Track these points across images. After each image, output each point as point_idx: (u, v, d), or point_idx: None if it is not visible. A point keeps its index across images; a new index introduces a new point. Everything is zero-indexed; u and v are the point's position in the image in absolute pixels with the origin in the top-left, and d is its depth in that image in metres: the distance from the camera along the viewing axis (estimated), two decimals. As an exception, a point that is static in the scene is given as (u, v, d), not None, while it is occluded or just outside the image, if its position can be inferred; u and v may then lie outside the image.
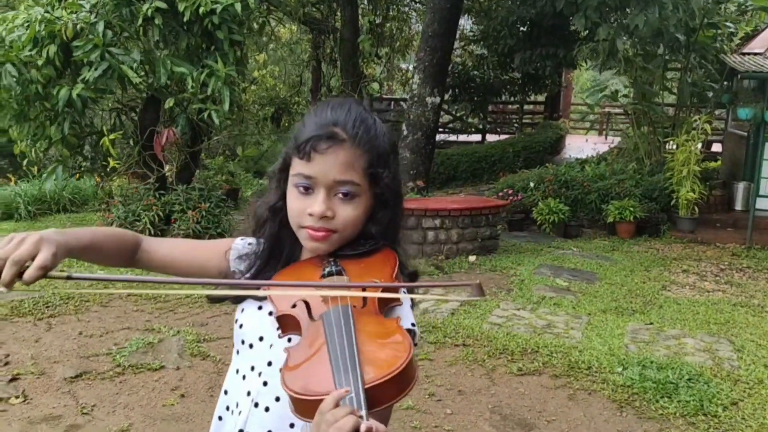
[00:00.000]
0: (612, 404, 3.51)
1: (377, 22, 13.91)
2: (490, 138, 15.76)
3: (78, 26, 5.98)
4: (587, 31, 8.47)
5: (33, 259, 0.91)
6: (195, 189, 6.84)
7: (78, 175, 7.29)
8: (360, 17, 12.10)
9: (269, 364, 1.08)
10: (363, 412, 0.75)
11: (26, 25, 6.02)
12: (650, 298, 5.56)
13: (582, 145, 14.61)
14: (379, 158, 1.08)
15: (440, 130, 15.45)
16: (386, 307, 1.00)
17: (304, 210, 1.06)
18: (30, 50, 6.02)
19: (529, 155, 12.81)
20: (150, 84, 6.43)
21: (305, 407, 0.82)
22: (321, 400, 0.79)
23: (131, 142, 6.98)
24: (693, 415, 3.37)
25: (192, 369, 3.82)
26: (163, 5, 5.96)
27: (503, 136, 15.52)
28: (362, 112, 1.10)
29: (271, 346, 1.09)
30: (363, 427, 0.73)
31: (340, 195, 1.06)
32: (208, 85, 6.07)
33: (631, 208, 7.88)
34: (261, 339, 1.10)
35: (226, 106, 6.04)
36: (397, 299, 1.02)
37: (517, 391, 3.68)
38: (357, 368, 0.81)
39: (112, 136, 6.19)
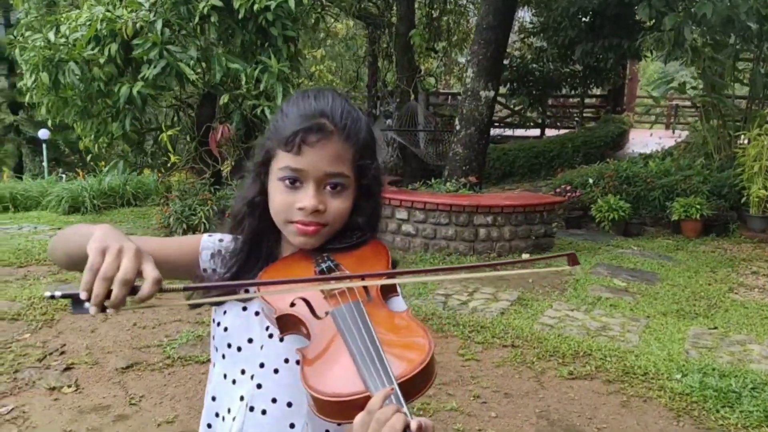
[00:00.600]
0: (668, 413, 3.33)
1: (434, 15, 13.78)
2: (549, 133, 15.38)
3: (137, 25, 6.15)
4: (652, 21, 8.11)
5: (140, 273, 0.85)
6: (249, 184, 6.92)
7: (140, 170, 7.51)
8: (416, 11, 12.00)
9: (261, 365, 1.05)
10: (405, 409, 0.73)
11: (88, 23, 6.23)
12: (715, 301, 5.27)
13: (646, 140, 14.04)
14: (365, 149, 1.06)
15: (497, 124, 15.24)
16: (387, 297, 0.97)
17: (292, 204, 1.02)
18: (92, 49, 6.23)
19: (589, 150, 12.43)
20: (206, 81, 6.55)
21: (335, 409, 0.79)
22: (354, 401, 0.77)
23: (188, 138, 7.14)
24: (756, 426, 3.16)
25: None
26: (219, 3, 6.05)
27: (563, 131, 15.11)
28: (345, 103, 1.07)
29: (261, 347, 1.06)
30: (414, 425, 0.71)
31: (330, 188, 1.03)
32: (262, 81, 6.14)
33: (698, 206, 7.52)
34: (250, 341, 1.07)
35: (279, 102, 6.08)
36: (395, 292, 1.00)
37: (566, 395, 3.54)
38: (386, 365, 0.78)
39: (169, 132, 6.34)
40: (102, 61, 6.23)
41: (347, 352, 0.82)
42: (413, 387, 0.78)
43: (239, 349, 1.08)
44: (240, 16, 6.17)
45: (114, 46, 6.21)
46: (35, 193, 9.97)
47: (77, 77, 6.14)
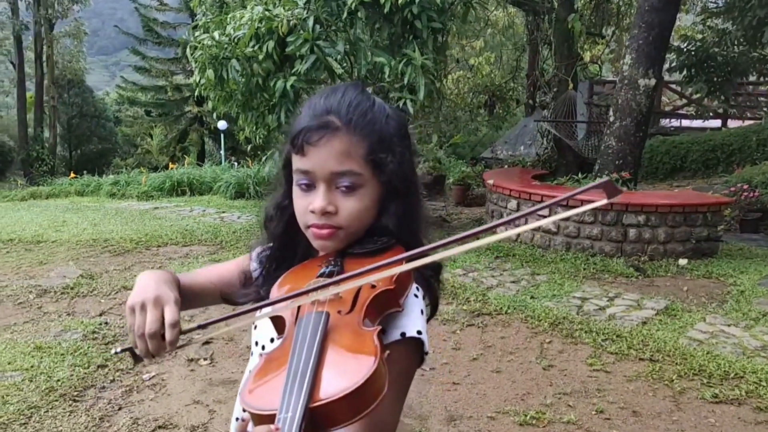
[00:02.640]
0: (832, 456, 2.84)
1: (599, -1, 12.92)
2: (733, 124, 13.78)
3: (292, 22, 6.48)
4: None
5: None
6: (391, 175, 7.03)
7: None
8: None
9: None
10: None
11: (249, 23, 6.68)
12: None
13: None
14: (381, 143, 0.98)
15: (668, 114, 13.95)
16: (381, 314, 0.89)
17: (306, 208, 1.00)
18: (252, 46, 6.67)
19: (777, 144, 10.97)
20: (352, 74, 6.74)
21: (254, 419, 0.75)
22: (264, 417, 0.73)
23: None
24: None
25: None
26: (366, -2, 6.18)
27: (747, 122, 13.48)
28: (358, 95, 1.01)
29: None
30: None
31: (342, 188, 0.98)
32: (405, 74, 6.17)
33: None
34: (272, 341, 1.06)
35: (422, 95, 6.10)
36: (398, 306, 0.91)
37: (706, 420, 3.16)
38: (306, 385, 0.72)
39: (317, 124, 6.61)
40: (261, 57, 6.65)
41: (286, 364, 0.77)
42: (336, 413, 0.72)
43: (263, 347, 1.08)
44: (386, 10, 6.25)
45: (271, 44, 6.60)
46: (208, 178, 11.00)
47: (238, 73, 6.62)
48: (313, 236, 1.01)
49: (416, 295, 0.99)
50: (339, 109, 0.98)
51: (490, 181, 6.97)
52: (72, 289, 5.05)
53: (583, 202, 0.88)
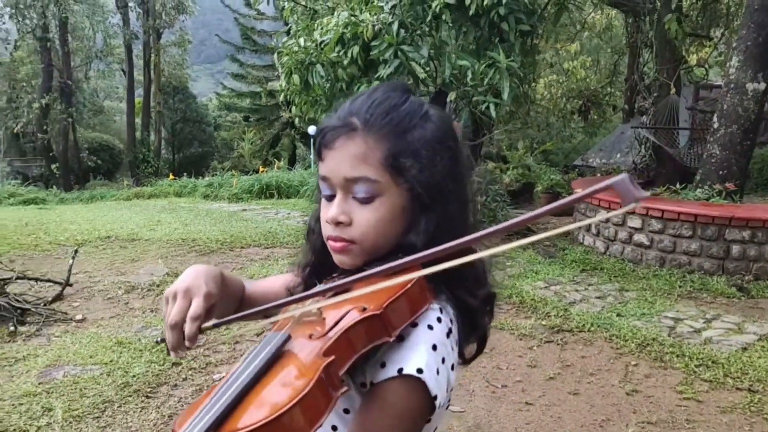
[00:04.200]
0: None
1: (707, -2, 12.10)
2: None
3: (376, 27, 6.46)
4: None
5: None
6: (473, 182, 6.86)
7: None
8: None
9: None
10: None
11: (335, 28, 6.73)
12: None
13: None
14: (406, 147, 0.87)
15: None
16: (367, 343, 0.76)
17: (324, 218, 0.91)
18: (337, 51, 6.72)
19: None
20: (435, 78, 6.64)
21: None
22: None
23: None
24: None
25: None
26: (451, 0, 6.06)
27: None
28: (389, 92, 0.90)
29: None
30: None
31: (359, 196, 0.87)
32: (488, 76, 6.00)
33: None
34: None
35: (506, 97, 5.89)
36: (387, 336, 0.78)
37: (813, 465, 2.80)
38: (219, 409, 0.65)
39: (399, 129, 6.55)
40: (345, 62, 6.69)
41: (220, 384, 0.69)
42: None
43: None
44: (471, 13, 6.10)
45: (356, 48, 6.62)
46: (296, 182, 11.23)
47: (323, 78, 6.69)
48: (330, 249, 0.92)
49: (431, 327, 0.84)
50: (361, 108, 0.89)
51: (578, 190, 6.65)
52: (158, 286, 5.25)
53: (607, 204, 0.72)
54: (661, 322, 4.46)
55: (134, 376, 3.50)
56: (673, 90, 9.95)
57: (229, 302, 1.02)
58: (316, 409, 0.66)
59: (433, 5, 6.19)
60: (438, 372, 0.82)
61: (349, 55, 6.65)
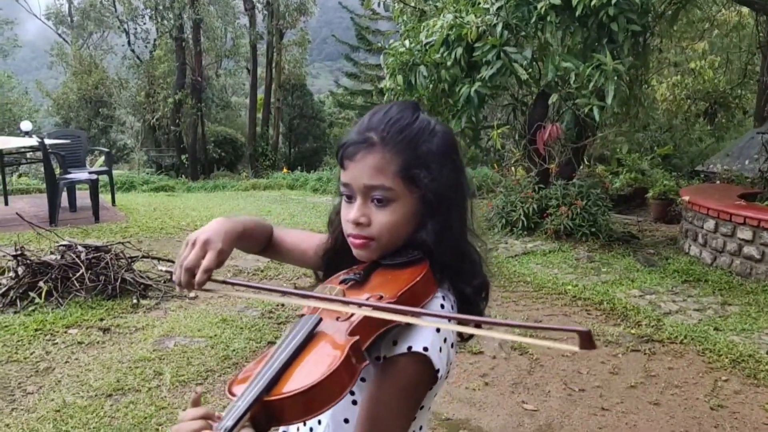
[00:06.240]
0: None
1: None
2: None
3: (480, 29, 6.53)
4: None
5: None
6: (575, 185, 6.75)
7: (468, 163, 8.00)
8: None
9: None
10: (229, 422, 0.75)
11: (440, 30, 6.86)
12: None
13: None
14: (417, 159, 1.02)
15: None
16: (381, 327, 0.92)
17: (345, 217, 1.07)
18: (441, 53, 6.85)
19: None
20: (537, 80, 6.60)
21: None
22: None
23: (516, 137, 7.30)
24: None
25: (507, 361, 3.89)
26: (557, 1, 6.01)
27: None
28: (401, 112, 1.04)
29: None
30: None
31: (376, 201, 1.03)
32: (593, 78, 5.89)
33: None
34: None
35: (609, 101, 5.77)
36: (393, 321, 0.92)
37: None
38: (266, 379, 0.81)
39: (499, 130, 6.59)
40: (449, 63, 6.81)
41: (267, 358, 0.86)
42: (289, 408, 0.79)
43: None
44: (578, 13, 6.01)
45: (459, 50, 6.71)
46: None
47: (426, 79, 6.85)
48: (351, 245, 1.08)
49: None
50: (378, 125, 1.03)
51: (686, 198, 6.35)
52: (262, 272, 5.67)
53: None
54: (762, 339, 4.24)
55: (234, 350, 3.87)
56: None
57: (250, 247, 1.24)
58: (344, 380, 0.82)
59: (539, 6, 6.16)
60: (440, 350, 0.97)
61: (452, 56, 6.76)
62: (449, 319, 1.01)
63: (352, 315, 0.92)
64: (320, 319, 0.92)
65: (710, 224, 5.93)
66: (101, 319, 4.29)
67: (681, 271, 5.81)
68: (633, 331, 4.37)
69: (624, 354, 4.03)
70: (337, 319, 0.92)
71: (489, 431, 3.10)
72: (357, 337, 0.87)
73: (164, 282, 5.07)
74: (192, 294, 4.94)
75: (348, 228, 1.06)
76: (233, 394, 0.84)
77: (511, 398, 3.44)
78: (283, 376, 0.82)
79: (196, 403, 0.82)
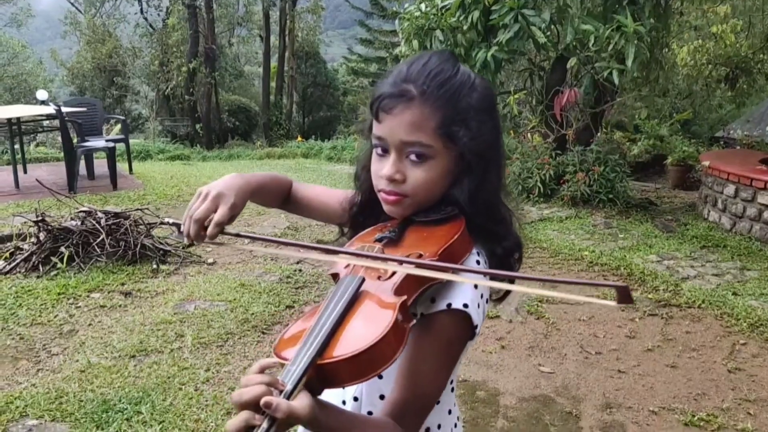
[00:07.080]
0: None
1: None
2: None
3: (499, -9, 6.39)
4: None
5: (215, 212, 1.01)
6: (592, 151, 6.67)
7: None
8: None
9: None
10: (288, 386, 0.73)
11: (457, -6, 6.73)
12: None
13: None
14: (457, 115, 0.96)
15: None
16: (421, 285, 0.90)
17: (378, 172, 1.02)
18: (458, 17, 6.73)
19: None
20: (555, 44, 6.47)
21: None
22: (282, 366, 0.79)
23: (533, 102, 7.20)
24: None
25: (523, 325, 3.91)
26: (578, -39, 5.87)
27: None
28: (441, 64, 0.98)
29: None
30: (263, 400, 0.71)
31: (412, 157, 0.98)
32: (612, 40, 5.77)
33: None
34: None
35: (629, 64, 5.66)
36: (441, 279, 0.90)
37: None
38: (318, 342, 0.78)
39: (516, 96, 6.50)
40: (465, 27, 6.69)
41: (314, 319, 0.83)
42: (340, 371, 0.77)
43: None
44: (598, -26, 5.88)
45: (476, 13, 6.59)
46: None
47: (442, 44, 6.75)
48: (382, 201, 1.04)
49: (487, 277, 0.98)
50: (417, 78, 0.97)
51: (706, 163, 6.26)
52: (279, 237, 5.69)
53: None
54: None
55: (253, 314, 3.92)
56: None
57: (267, 201, 1.24)
58: (395, 341, 0.79)
59: (559, -33, 6.02)
60: (478, 306, 0.96)
61: (469, 19, 6.64)
62: (486, 275, 0.99)
63: (394, 273, 0.89)
64: (363, 279, 0.89)
65: (730, 189, 5.86)
66: (122, 284, 4.36)
67: (699, 237, 5.77)
68: (650, 296, 4.37)
69: (641, 318, 4.03)
70: (379, 278, 0.90)
71: (506, 392, 3.13)
72: (404, 297, 0.85)
73: (183, 248, 5.12)
74: (210, 260, 5.00)
75: (380, 183, 1.02)
76: (281, 357, 0.81)
77: (528, 361, 3.47)
78: (334, 337, 0.80)
79: (261, 369, 0.79)
